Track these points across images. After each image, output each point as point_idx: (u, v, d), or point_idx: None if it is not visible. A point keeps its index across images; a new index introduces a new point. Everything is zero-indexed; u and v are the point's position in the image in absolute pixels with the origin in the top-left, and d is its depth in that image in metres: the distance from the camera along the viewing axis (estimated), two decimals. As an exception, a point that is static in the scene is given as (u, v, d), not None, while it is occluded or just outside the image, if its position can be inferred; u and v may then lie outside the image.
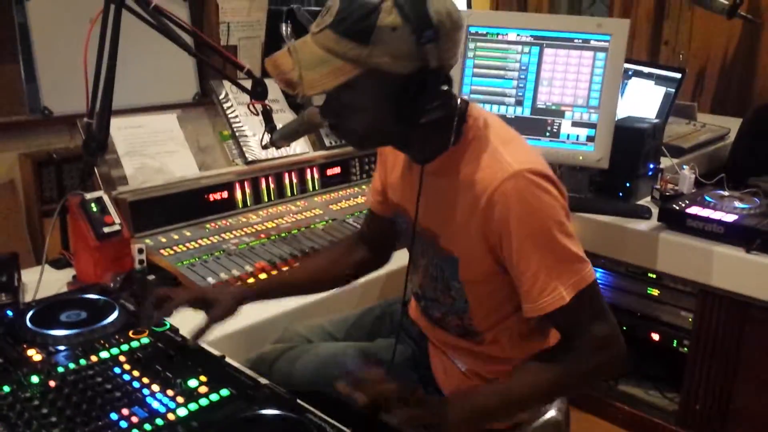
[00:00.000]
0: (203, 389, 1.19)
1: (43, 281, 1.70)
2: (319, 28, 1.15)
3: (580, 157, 2.14)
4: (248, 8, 3.42)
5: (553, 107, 2.15)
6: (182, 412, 1.13)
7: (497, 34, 2.13)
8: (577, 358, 1.22)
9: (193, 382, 1.21)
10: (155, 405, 1.15)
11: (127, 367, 1.25)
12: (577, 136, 2.14)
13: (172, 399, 1.16)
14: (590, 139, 2.13)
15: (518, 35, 2.12)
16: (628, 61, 3.09)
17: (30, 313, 1.40)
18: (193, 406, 1.15)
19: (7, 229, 2.69)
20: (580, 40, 2.10)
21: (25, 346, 1.30)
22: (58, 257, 1.83)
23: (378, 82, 1.14)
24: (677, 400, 2.32)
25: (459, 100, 1.27)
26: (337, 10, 1.12)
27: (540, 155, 1.27)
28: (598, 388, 2.52)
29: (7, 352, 1.28)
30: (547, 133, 2.15)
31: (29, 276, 1.71)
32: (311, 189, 2.21)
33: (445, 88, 1.19)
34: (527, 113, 2.15)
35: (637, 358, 2.57)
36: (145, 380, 1.21)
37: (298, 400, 1.18)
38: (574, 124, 2.15)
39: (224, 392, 1.19)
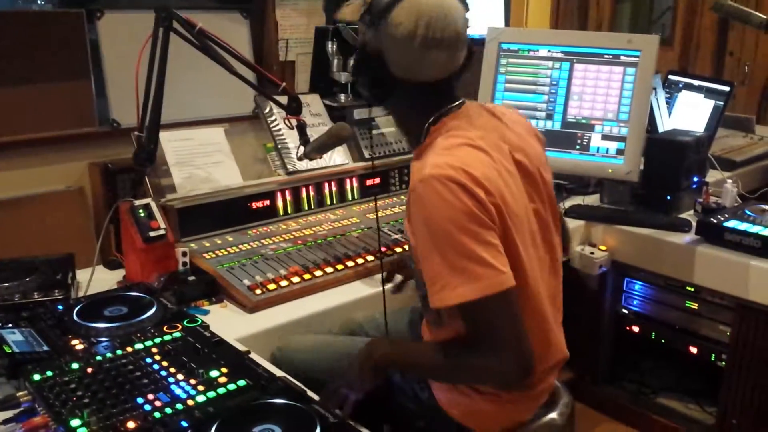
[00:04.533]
0: (223, 380, 1.30)
1: (97, 280, 1.86)
2: None
3: (610, 170, 2.16)
4: (306, 25, 3.54)
5: (583, 121, 2.19)
6: (201, 398, 1.24)
7: (528, 50, 2.19)
8: (470, 360, 1.29)
9: (214, 373, 1.32)
10: (177, 391, 1.26)
11: (157, 357, 1.37)
12: (607, 149, 2.17)
13: (194, 387, 1.27)
14: (620, 152, 2.15)
15: (549, 51, 2.17)
16: (677, 73, 3.08)
17: (78, 308, 1.54)
18: (211, 394, 1.26)
19: (78, 232, 2.89)
20: (610, 56, 2.13)
21: (70, 336, 1.44)
22: (111, 258, 1.99)
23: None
24: (716, 414, 2.30)
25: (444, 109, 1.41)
26: None
27: (472, 163, 1.30)
28: (635, 399, 2.52)
29: (54, 341, 1.42)
30: (578, 146, 2.19)
31: (88, 275, 1.87)
32: (350, 198, 2.30)
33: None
34: (558, 127, 2.19)
35: (676, 371, 2.56)
36: (172, 370, 1.33)
37: (309, 392, 1.28)
38: (604, 137, 2.18)
39: (241, 383, 1.29)
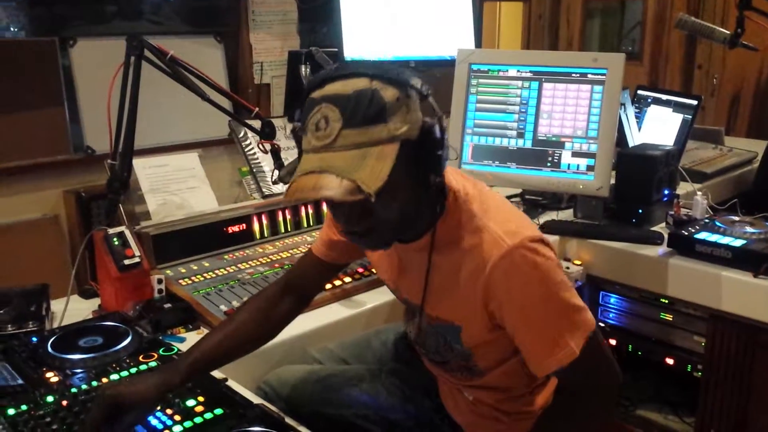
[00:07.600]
0: (199, 408, 1.30)
1: (72, 309, 1.84)
2: (330, 138, 1.12)
3: (581, 186, 2.19)
4: (280, 48, 3.57)
5: (554, 138, 2.22)
6: (177, 428, 1.24)
7: (498, 71, 2.22)
8: (589, 408, 1.32)
9: (191, 402, 1.32)
10: (154, 422, 1.26)
11: (133, 388, 1.37)
12: (578, 165, 2.21)
13: (170, 417, 1.27)
14: (590, 168, 2.19)
15: (518, 71, 2.21)
16: (645, 88, 3.14)
17: (52, 339, 1.53)
18: (188, 424, 1.25)
19: (53, 260, 2.87)
20: (578, 74, 2.17)
21: (44, 369, 1.43)
22: (86, 287, 1.97)
23: (407, 152, 1.14)
24: (694, 424, 2.32)
25: None
26: (339, 113, 1.12)
27: (523, 215, 1.34)
28: (615, 413, 2.54)
29: (28, 374, 1.41)
30: (548, 164, 2.22)
31: (62, 305, 1.85)
32: (327, 220, 2.31)
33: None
34: (529, 145, 2.23)
35: (655, 382, 2.58)
36: (148, 400, 1.32)
37: (287, 419, 1.28)
38: (574, 154, 2.22)
39: (218, 411, 1.29)
